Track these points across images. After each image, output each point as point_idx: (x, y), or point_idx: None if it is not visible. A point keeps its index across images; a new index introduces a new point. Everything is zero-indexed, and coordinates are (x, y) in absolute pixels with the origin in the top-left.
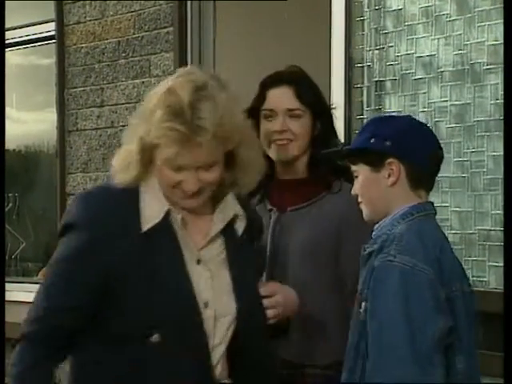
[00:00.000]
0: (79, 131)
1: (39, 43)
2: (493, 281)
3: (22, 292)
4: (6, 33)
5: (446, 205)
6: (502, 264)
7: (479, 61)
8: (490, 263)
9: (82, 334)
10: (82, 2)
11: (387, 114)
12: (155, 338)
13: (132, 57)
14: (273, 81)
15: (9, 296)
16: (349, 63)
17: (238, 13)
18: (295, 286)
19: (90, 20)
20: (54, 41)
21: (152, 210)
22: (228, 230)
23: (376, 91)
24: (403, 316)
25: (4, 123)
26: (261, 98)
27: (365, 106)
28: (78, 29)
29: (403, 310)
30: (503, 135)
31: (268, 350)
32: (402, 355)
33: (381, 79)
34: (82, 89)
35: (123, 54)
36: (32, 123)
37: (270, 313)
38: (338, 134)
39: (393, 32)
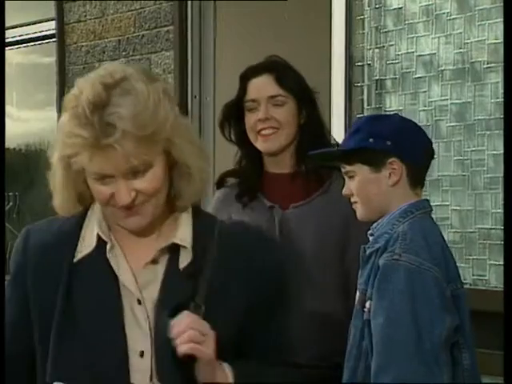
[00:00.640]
0: None
1: (40, 42)
2: (493, 279)
3: None
4: (7, 31)
5: (447, 203)
6: (502, 262)
7: (479, 59)
8: (491, 262)
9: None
10: (82, 0)
11: (376, 114)
12: None
13: (132, 55)
14: (253, 71)
15: None
16: (349, 62)
17: (238, 12)
18: (308, 286)
19: (90, 18)
20: (54, 39)
21: (89, 237)
22: (173, 259)
23: (376, 90)
24: (410, 315)
25: (4, 122)
26: (242, 90)
27: (365, 104)
28: (78, 27)
29: (410, 309)
30: (503, 134)
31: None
32: (408, 354)
33: (381, 78)
34: None
35: (123, 53)
36: (32, 122)
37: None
38: (325, 123)
39: (393, 31)
